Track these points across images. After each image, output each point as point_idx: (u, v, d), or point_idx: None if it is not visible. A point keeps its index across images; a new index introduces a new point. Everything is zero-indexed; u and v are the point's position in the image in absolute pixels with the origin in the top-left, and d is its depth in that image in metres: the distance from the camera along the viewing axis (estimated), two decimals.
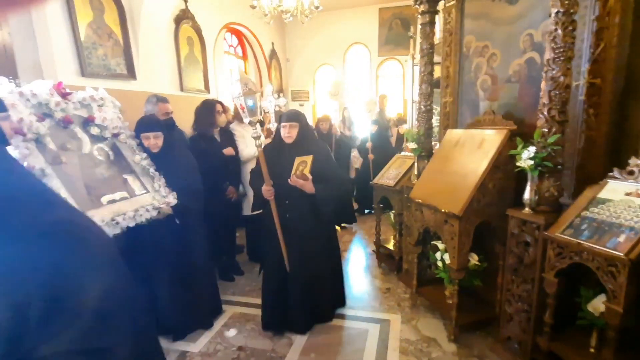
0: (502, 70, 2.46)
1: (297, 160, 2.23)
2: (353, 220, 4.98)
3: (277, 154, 2.37)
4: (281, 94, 4.47)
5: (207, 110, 3.17)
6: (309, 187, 2.24)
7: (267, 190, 2.26)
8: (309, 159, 2.23)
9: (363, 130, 5.62)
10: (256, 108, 2.11)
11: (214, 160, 3.07)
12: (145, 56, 3.97)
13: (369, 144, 5.02)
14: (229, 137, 3.41)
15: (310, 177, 2.22)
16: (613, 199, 1.67)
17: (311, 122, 7.24)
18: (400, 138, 5.32)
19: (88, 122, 1.99)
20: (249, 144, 3.43)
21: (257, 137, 2.21)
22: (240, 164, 3.46)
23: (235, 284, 3.34)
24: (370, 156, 5.00)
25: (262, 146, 2.31)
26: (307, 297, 2.44)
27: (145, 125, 2.28)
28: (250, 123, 2.18)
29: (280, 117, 2.40)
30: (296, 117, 2.35)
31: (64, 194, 1.61)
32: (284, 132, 2.32)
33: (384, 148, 5.13)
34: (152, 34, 4.06)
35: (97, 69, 3.43)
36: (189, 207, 2.35)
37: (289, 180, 2.22)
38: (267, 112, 5.76)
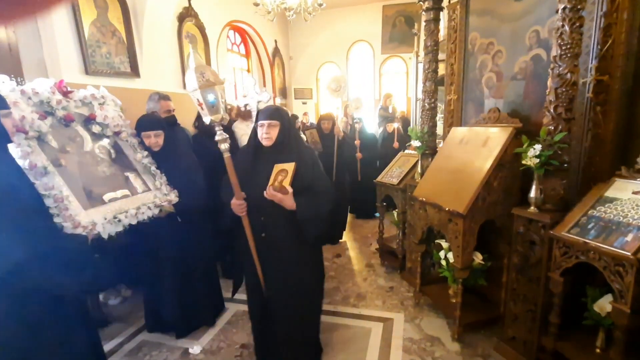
0: (508, 68, 2.43)
1: (276, 167, 1.85)
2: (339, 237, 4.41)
3: (253, 159, 1.98)
4: (265, 88, 4.09)
5: None
6: (288, 202, 1.81)
7: (237, 204, 1.85)
8: (290, 167, 1.84)
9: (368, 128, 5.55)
10: (218, 104, 1.69)
11: (216, 158, 3.06)
12: (149, 54, 3.97)
13: (357, 142, 4.81)
14: (230, 135, 3.40)
15: (290, 190, 1.80)
16: (620, 198, 1.64)
17: (314, 120, 7.22)
18: (389, 137, 5.25)
19: (89, 120, 1.99)
20: None
21: (223, 141, 1.78)
22: None
23: None
24: (359, 155, 4.83)
25: (240, 149, 1.97)
26: (292, 335, 2.04)
27: (146, 123, 2.27)
28: (211, 123, 1.74)
29: (257, 114, 1.99)
30: (277, 114, 1.92)
31: (66, 191, 1.61)
32: (261, 132, 1.90)
33: (371, 147, 5.04)
34: (156, 31, 4.06)
35: (101, 67, 3.43)
36: (191, 205, 2.34)
37: (264, 192, 1.81)
38: (249, 109, 4.77)
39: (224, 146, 1.79)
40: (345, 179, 4.42)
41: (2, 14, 0.24)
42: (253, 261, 1.95)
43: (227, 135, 1.80)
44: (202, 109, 1.69)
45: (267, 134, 1.88)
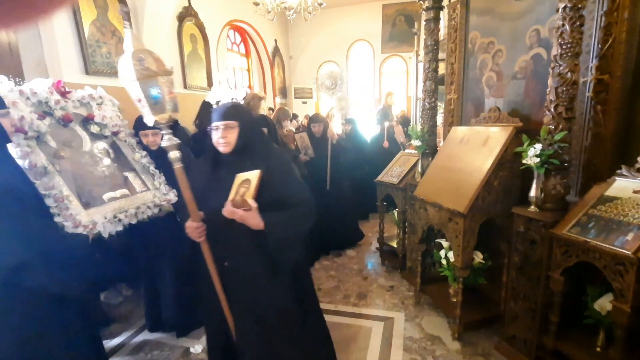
0: (508, 67, 2.43)
1: (238, 178, 1.49)
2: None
3: (211, 170, 1.62)
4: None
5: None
6: (253, 220, 1.41)
7: (193, 228, 1.47)
8: (254, 176, 1.45)
9: (365, 127, 5.52)
10: (163, 100, 1.29)
11: None
12: None
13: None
14: None
15: (254, 205, 1.40)
16: (621, 197, 1.64)
17: None
18: (380, 135, 5.19)
19: (88, 121, 2.00)
20: None
21: (172, 148, 1.39)
22: None
23: None
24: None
25: (198, 158, 1.64)
26: None
27: (144, 122, 2.27)
28: (155, 124, 1.34)
29: (211, 115, 1.61)
30: (233, 112, 1.54)
31: (66, 191, 1.62)
32: (216, 137, 1.53)
33: (360, 149, 4.94)
34: (156, 31, 4.07)
35: (101, 67, 3.44)
36: None
37: (223, 210, 1.43)
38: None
39: (174, 154, 1.40)
40: (342, 185, 4.06)
41: (3, 19, 0.24)
42: (216, 298, 1.56)
43: (178, 141, 1.42)
44: (142, 106, 1.29)
45: (224, 138, 1.52)
